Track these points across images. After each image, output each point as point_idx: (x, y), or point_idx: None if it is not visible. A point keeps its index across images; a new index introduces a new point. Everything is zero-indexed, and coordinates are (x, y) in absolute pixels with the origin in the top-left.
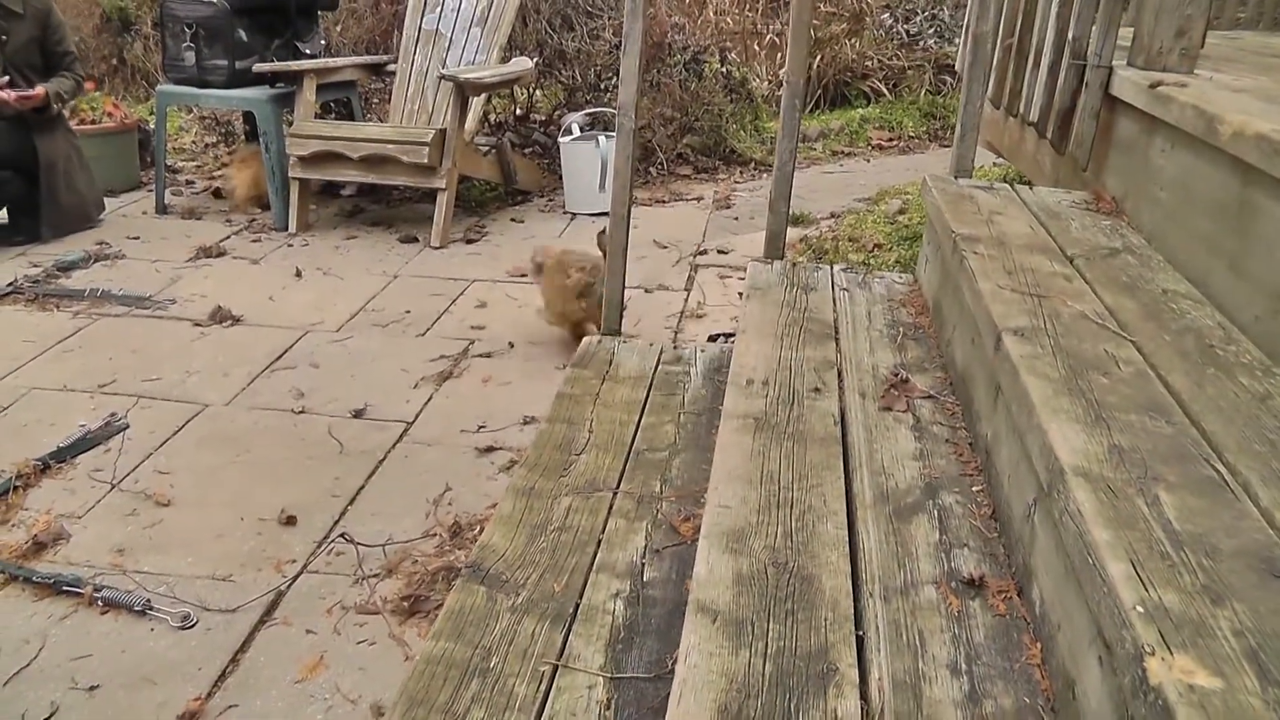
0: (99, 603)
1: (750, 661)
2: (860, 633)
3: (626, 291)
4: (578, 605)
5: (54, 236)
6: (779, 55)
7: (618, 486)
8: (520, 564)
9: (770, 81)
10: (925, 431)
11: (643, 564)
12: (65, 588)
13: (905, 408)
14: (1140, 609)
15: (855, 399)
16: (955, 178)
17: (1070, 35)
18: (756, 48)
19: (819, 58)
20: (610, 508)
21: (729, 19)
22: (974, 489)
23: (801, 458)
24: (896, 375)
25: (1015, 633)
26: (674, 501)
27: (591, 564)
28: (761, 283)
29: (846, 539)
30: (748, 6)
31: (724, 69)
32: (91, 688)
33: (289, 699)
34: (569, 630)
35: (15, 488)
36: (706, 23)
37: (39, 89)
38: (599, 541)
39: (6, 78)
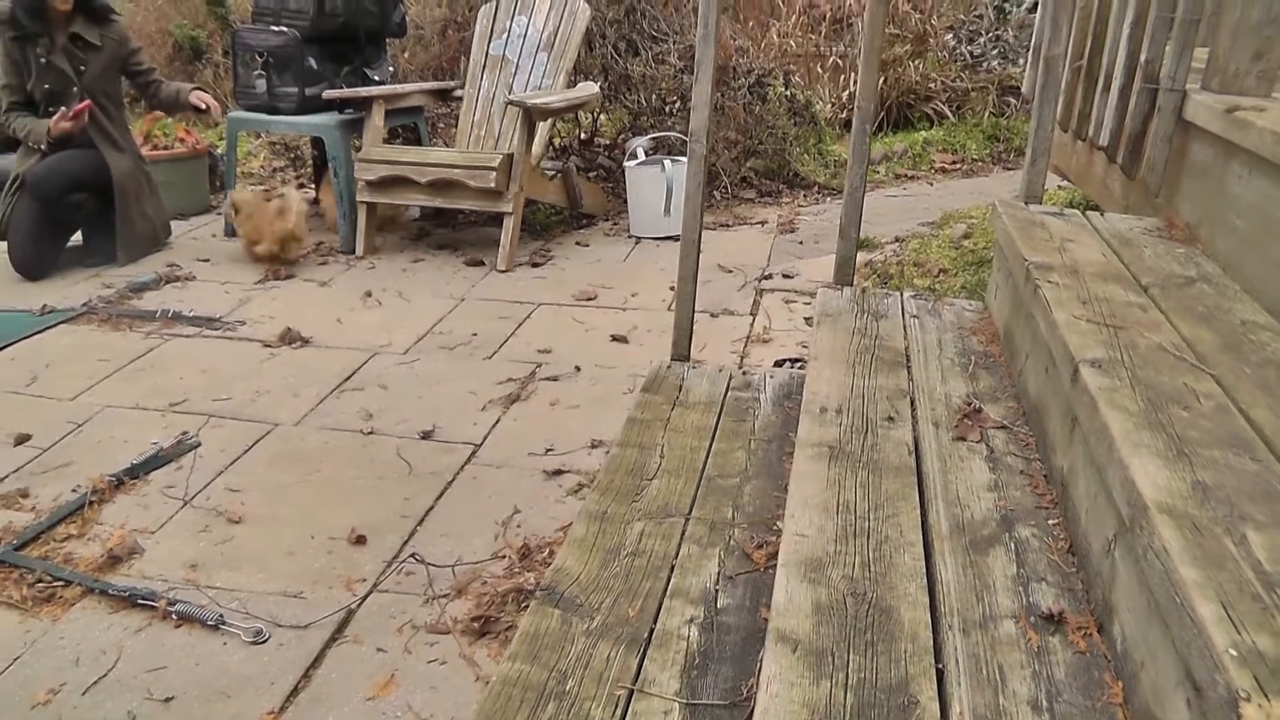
0: (173, 616)
1: (831, 692)
2: (940, 666)
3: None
4: (652, 630)
5: (128, 259)
6: (841, 78)
7: (690, 512)
8: (594, 588)
9: (833, 104)
10: (999, 462)
11: (716, 590)
12: (140, 601)
13: (979, 438)
14: (1233, 652)
15: (929, 428)
16: (1025, 203)
17: (1143, 58)
18: (819, 70)
19: (883, 80)
20: (683, 533)
21: (792, 42)
22: (1050, 522)
23: (877, 487)
24: (969, 405)
25: (1096, 670)
26: (746, 528)
27: (665, 589)
28: (832, 309)
29: (924, 570)
30: (811, 29)
31: (788, 92)
32: (167, 699)
33: (361, 716)
34: (644, 655)
35: (90, 503)
36: (770, 46)
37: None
38: (672, 567)
39: (87, 103)
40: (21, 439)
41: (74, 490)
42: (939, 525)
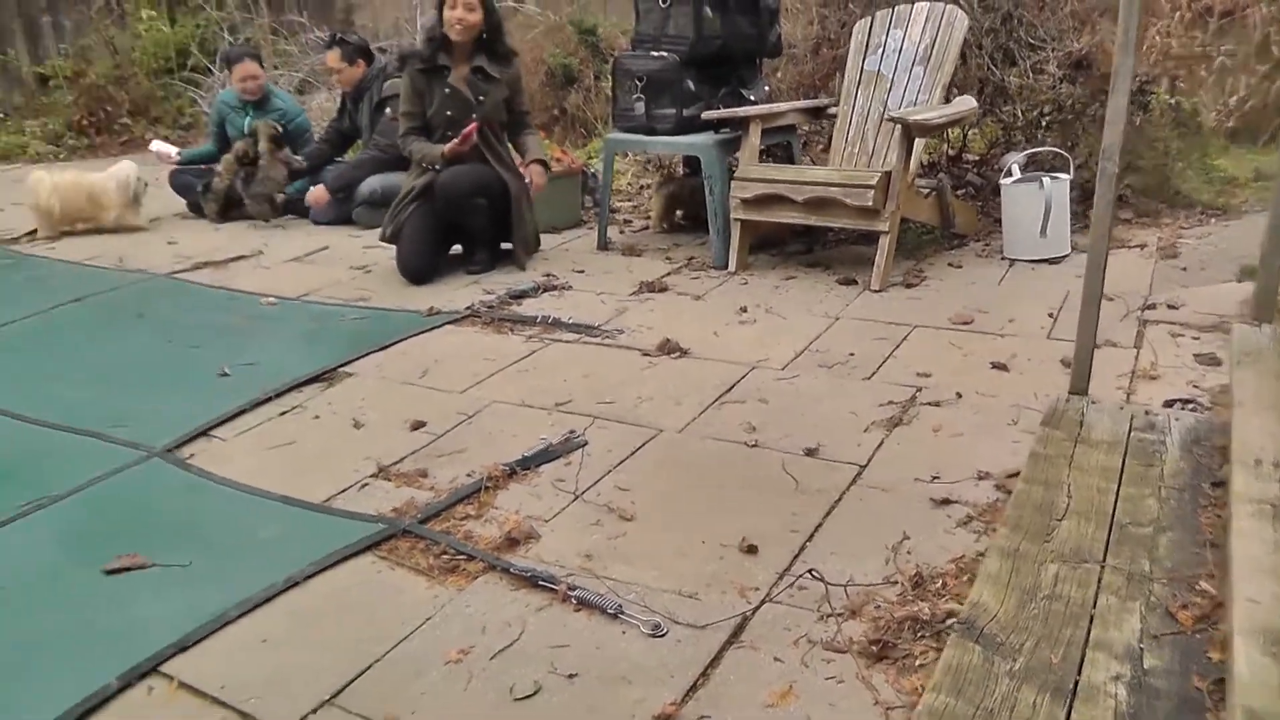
0: (572, 600)
1: None
2: None
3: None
4: (1077, 682)
5: (527, 262)
6: (1229, 80)
7: (1104, 559)
8: (1014, 628)
9: (1218, 112)
10: None
11: (1141, 649)
12: (541, 582)
13: None
14: None
15: None
16: None
17: None
18: (1203, 73)
19: None
20: (1099, 581)
21: (1174, 41)
22: None
23: None
24: None
25: None
26: (1166, 584)
27: (1086, 639)
28: (1252, 348)
29: None
30: (1195, 25)
31: (1173, 100)
32: (570, 675)
33: None
34: (1070, 708)
35: (486, 488)
36: (1151, 48)
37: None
38: (1091, 616)
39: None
40: (417, 425)
41: (469, 475)
42: None
